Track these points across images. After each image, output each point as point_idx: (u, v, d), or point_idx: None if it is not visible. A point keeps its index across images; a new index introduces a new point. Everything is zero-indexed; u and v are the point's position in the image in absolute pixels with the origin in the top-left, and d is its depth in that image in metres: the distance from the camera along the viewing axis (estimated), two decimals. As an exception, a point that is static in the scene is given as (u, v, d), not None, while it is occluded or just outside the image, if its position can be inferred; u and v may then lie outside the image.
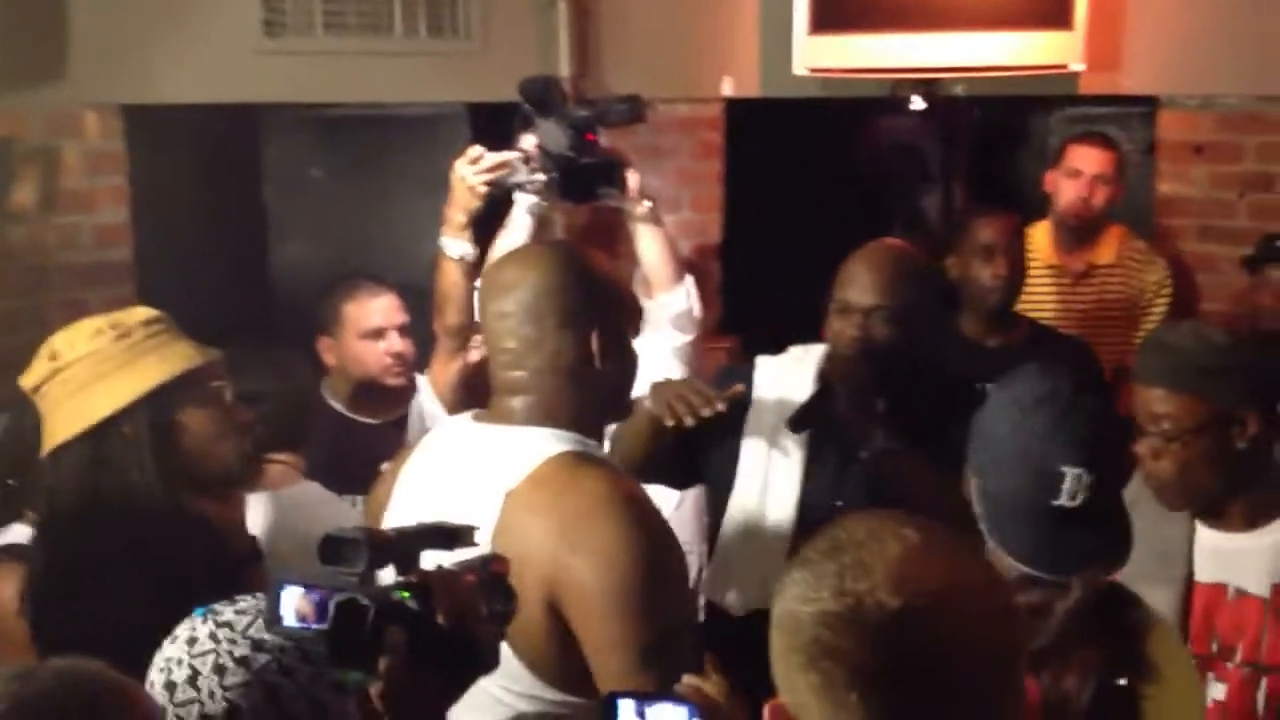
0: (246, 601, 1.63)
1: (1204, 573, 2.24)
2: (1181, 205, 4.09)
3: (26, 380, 2.05)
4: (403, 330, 3.21)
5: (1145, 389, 2.21)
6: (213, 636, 1.58)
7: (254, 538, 2.19)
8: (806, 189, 5.29)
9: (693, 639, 1.88)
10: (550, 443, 1.93)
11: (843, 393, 2.55)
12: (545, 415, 1.95)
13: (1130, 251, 3.93)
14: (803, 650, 1.12)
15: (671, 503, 3.19)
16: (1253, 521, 2.21)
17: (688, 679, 1.63)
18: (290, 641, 1.57)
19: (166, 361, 2.02)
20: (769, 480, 2.63)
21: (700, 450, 2.66)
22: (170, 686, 1.56)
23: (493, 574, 1.55)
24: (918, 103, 4.23)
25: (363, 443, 3.02)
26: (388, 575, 1.48)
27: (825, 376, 2.61)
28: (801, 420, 2.57)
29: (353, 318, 3.22)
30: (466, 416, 2.08)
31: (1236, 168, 4.00)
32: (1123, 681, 1.52)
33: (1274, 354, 2.31)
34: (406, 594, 1.42)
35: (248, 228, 3.60)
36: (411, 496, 2.03)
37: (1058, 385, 1.95)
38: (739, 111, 4.34)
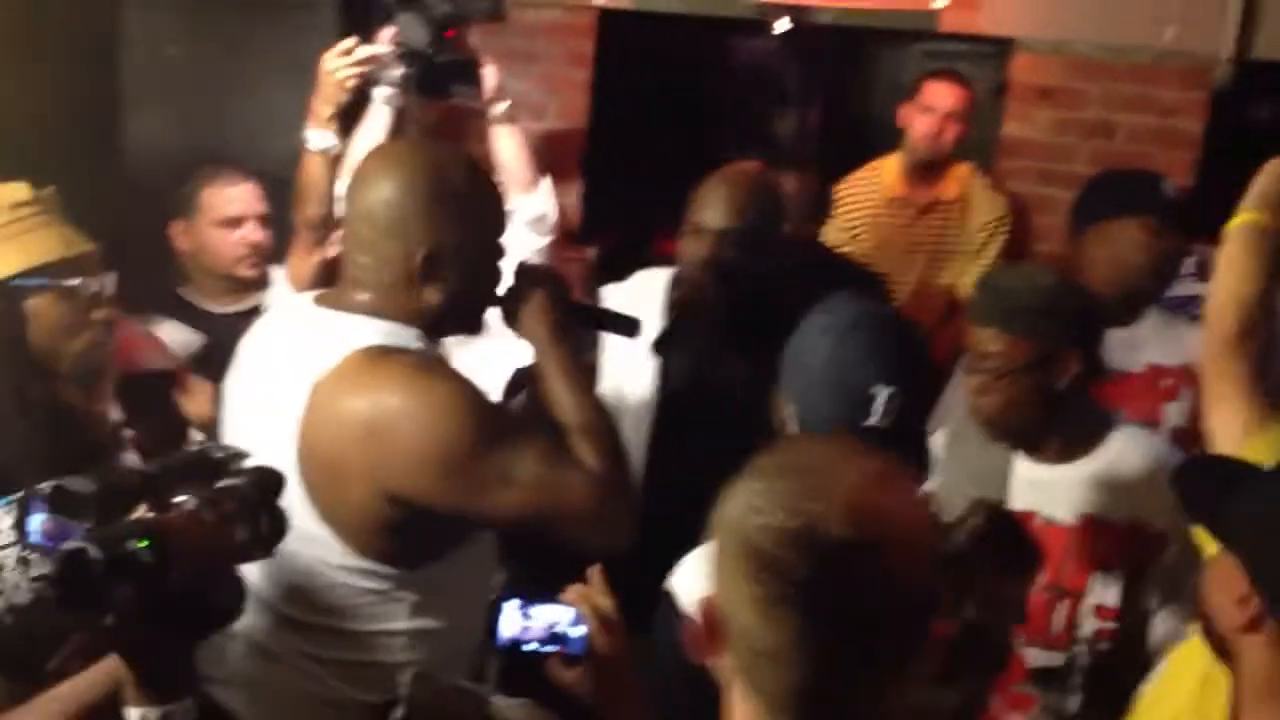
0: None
1: (1018, 500, 2.36)
2: (1025, 147, 4.20)
3: None
4: (260, 220, 3.17)
5: (978, 328, 2.30)
6: (16, 526, 1.60)
7: (116, 424, 2.17)
8: (671, 103, 5.32)
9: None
10: (362, 334, 1.94)
11: (697, 315, 2.61)
12: (373, 307, 1.97)
13: (973, 188, 4.06)
14: (747, 559, 1.14)
15: None
16: (1066, 455, 2.34)
17: (575, 587, 1.67)
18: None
19: (25, 251, 2.01)
20: (623, 408, 2.66)
21: None
22: None
23: (263, 494, 1.50)
24: (782, 25, 4.27)
25: (213, 332, 2.98)
26: None
27: (679, 300, 2.65)
28: (661, 345, 2.63)
29: (210, 205, 3.16)
30: (309, 297, 2.09)
31: (1081, 114, 4.13)
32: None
33: (1096, 299, 2.40)
34: (144, 543, 1.33)
35: (101, 105, 3.47)
36: (240, 378, 2.07)
37: (868, 309, 2.04)
38: (610, 21, 4.34)
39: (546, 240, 3.49)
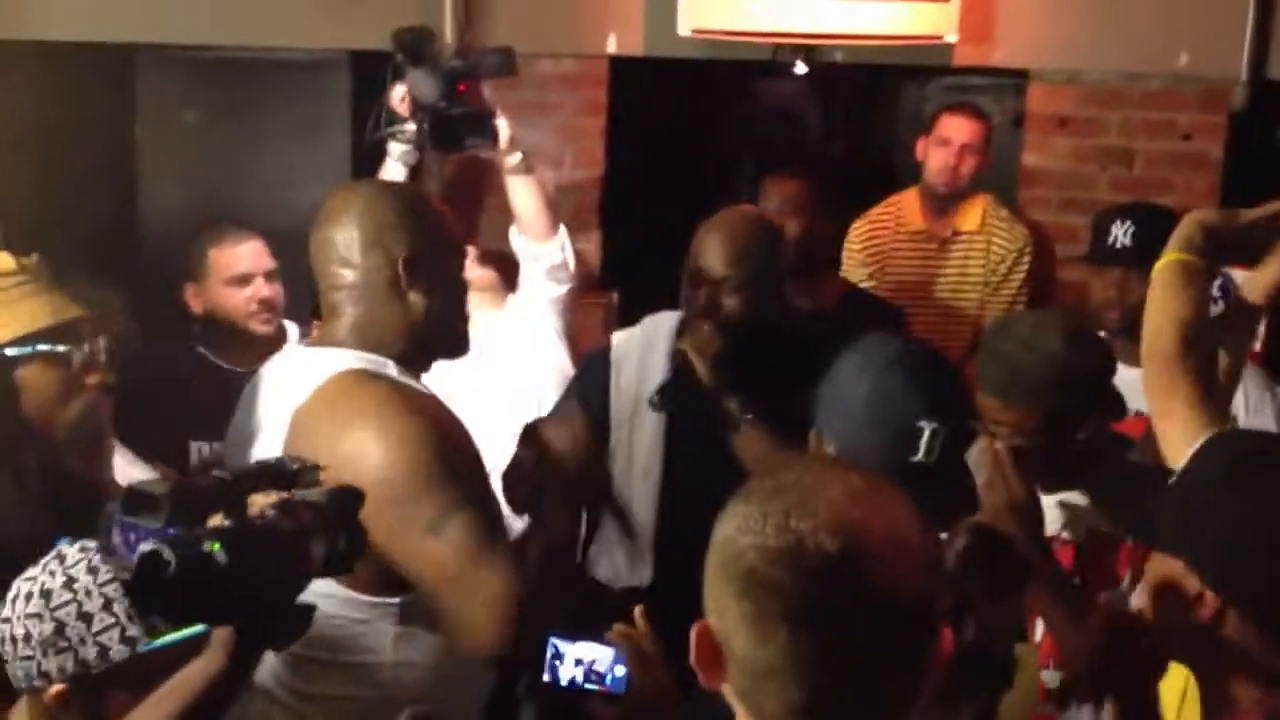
0: (92, 541, 1.66)
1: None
2: (1045, 177, 4.20)
3: None
4: (269, 276, 3.20)
5: (983, 396, 2.26)
6: (45, 566, 1.65)
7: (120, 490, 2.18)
8: (688, 148, 5.35)
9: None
10: (341, 360, 1.99)
11: (699, 364, 2.58)
12: (355, 337, 2.03)
13: (994, 219, 4.04)
14: (739, 579, 1.16)
15: None
16: (1071, 483, 2.29)
17: (619, 627, 1.67)
18: (99, 588, 1.62)
19: (13, 320, 2.02)
20: (633, 457, 2.66)
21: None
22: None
23: (340, 511, 1.54)
24: (799, 67, 4.29)
25: (230, 390, 2.99)
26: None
27: (681, 349, 2.63)
28: (663, 396, 2.61)
29: (218, 264, 3.19)
30: (301, 342, 2.14)
31: (1099, 141, 4.12)
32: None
33: (1106, 354, 2.33)
34: (217, 545, 1.38)
35: (118, 170, 3.53)
36: (236, 424, 2.13)
37: (907, 345, 2.07)
38: (623, 69, 4.37)
39: (566, 288, 3.50)
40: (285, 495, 1.52)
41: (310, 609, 1.52)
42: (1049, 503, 2.32)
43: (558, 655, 1.64)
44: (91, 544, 1.67)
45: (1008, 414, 2.22)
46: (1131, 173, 4.10)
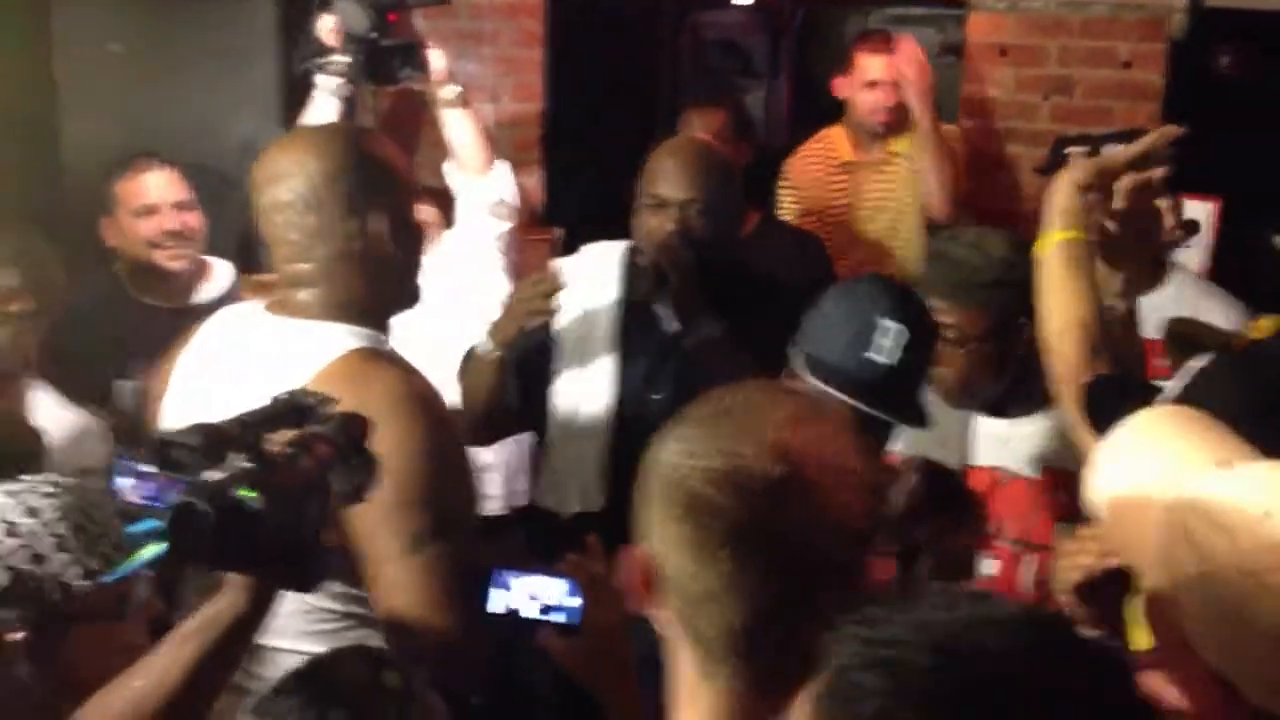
0: (18, 484, 1.62)
1: (980, 457, 2.35)
2: (985, 106, 4.18)
3: None
4: (180, 206, 3.08)
5: (930, 299, 2.25)
6: None
7: (35, 430, 2.12)
8: (629, 80, 5.27)
9: (470, 532, 1.89)
10: (341, 339, 1.88)
11: (675, 281, 2.54)
12: (337, 309, 1.90)
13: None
14: (680, 503, 1.15)
15: None
16: (1027, 410, 2.31)
17: (571, 557, 1.65)
18: (47, 527, 1.58)
19: None
20: (584, 382, 2.63)
21: (532, 382, 2.64)
22: None
23: (350, 438, 1.51)
24: (744, -1, 4.23)
25: (151, 327, 2.80)
26: None
27: (652, 268, 2.57)
28: (656, 286, 2.55)
29: (124, 195, 3.09)
30: (257, 305, 2.01)
31: (1039, 71, 4.10)
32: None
33: None
34: (251, 492, 1.36)
35: (38, 105, 3.42)
36: (191, 386, 1.98)
37: (890, 281, 2.16)
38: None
39: (508, 225, 3.45)
40: (299, 432, 1.48)
41: (334, 551, 1.51)
42: (1005, 432, 2.34)
43: (505, 587, 1.61)
44: (15, 485, 1.62)
45: (954, 315, 2.23)
46: (1071, 101, 4.09)
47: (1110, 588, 1.57)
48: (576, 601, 1.62)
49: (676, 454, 1.18)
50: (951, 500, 1.57)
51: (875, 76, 3.84)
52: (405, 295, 2.04)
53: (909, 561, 1.49)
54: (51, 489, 1.63)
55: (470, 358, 2.63)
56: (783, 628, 1.16)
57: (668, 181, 2.58)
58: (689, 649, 1.20)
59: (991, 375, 2.28)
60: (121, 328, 2.93)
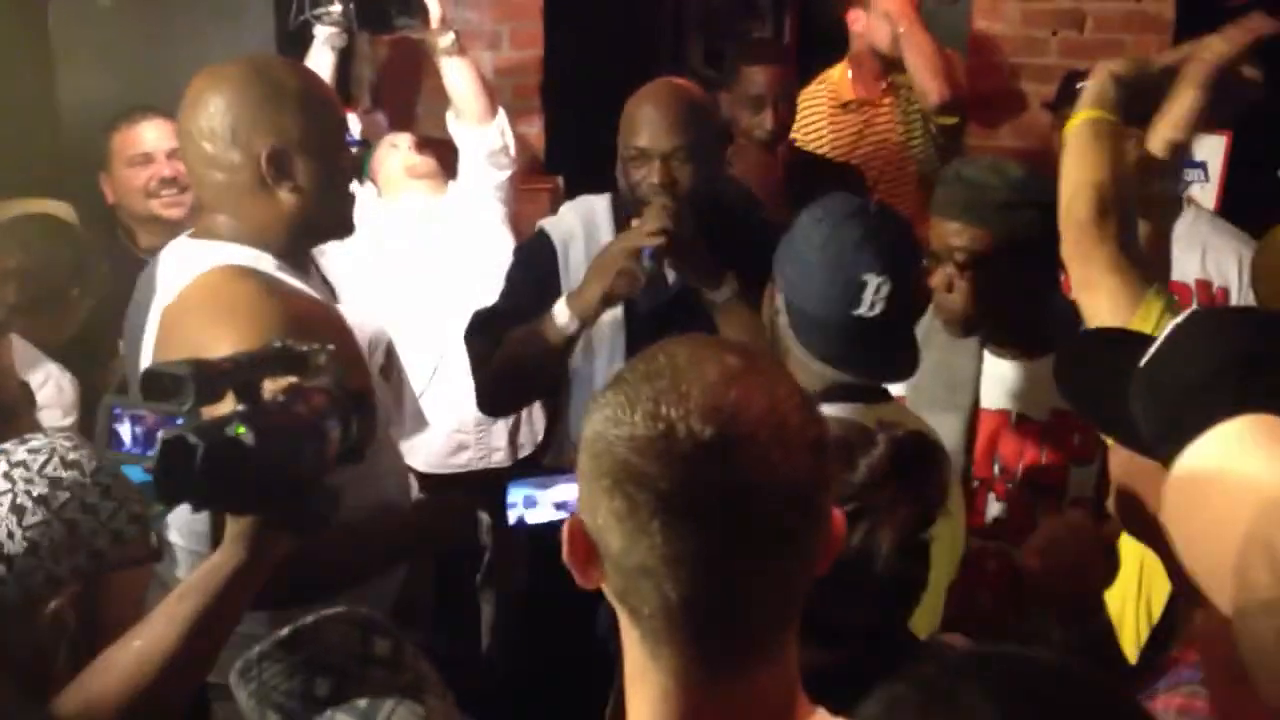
0: (38, 440, 1.60)
1: (989, 399, 2.32)
2: (995, 42, 4.12)
3: None
4: (174, 154, 3.05)
5: (941, 221, 2.25)
6: (7, 476, 1.56)
7: (23, 382, 2.11)
8: (631, 26, 5.20)
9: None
10: (215, 255, 1.90)
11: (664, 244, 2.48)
12: (230, 232, 1.94)
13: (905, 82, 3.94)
14: (609, 474, 1.06)
15: None
16: (1037, 350, 2.28)
17: None
18: (90, 477, 1.56)
19: None
20: (593, 344, 2.57)
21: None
22: None
23: (349, 393, 1.50)
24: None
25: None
26: None
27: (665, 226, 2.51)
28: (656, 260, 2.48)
29: (120, 146, 3.12)
30: (186, 234, 2.05)
31: (1049, 5, 4.04)
32: (926, 534, 1.51)
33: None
34: (241, 429, 1.34)
35: (32, 62, 3.39)
36: (131, 317, 2.03)
37: (864, 203, 2.07)
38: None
39: (508, 173, 3.42)
40: (294, 380, 1.47)
41: (335, 494, 1.48)
42: (1010, 373, 2.31)
43: (531, 503, 1.57)
44: (39, 440, 1.60)
45: (964, 235, 2.20)
46: (1082, 35, 4.03)
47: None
48: None
49: (603, 421, 1.08)
50: (919, 471, 1.47)
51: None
52: (323, 228, 2.05)
53: (860, 526, 1.41)
54: (72, 442, 1.62)
55: (484, 318, 2.59)
56: (726, 603, 1.06)
57: (649, 131, 2.48)
58: (633, 628, 1.10)
59: (1000, 302, 2.23)
60: (126, 284, 2.92)
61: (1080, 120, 1.84)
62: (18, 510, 1.53)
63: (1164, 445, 1.16)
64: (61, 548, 1.54)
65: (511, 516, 1.59)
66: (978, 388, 2.33)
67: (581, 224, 2.63)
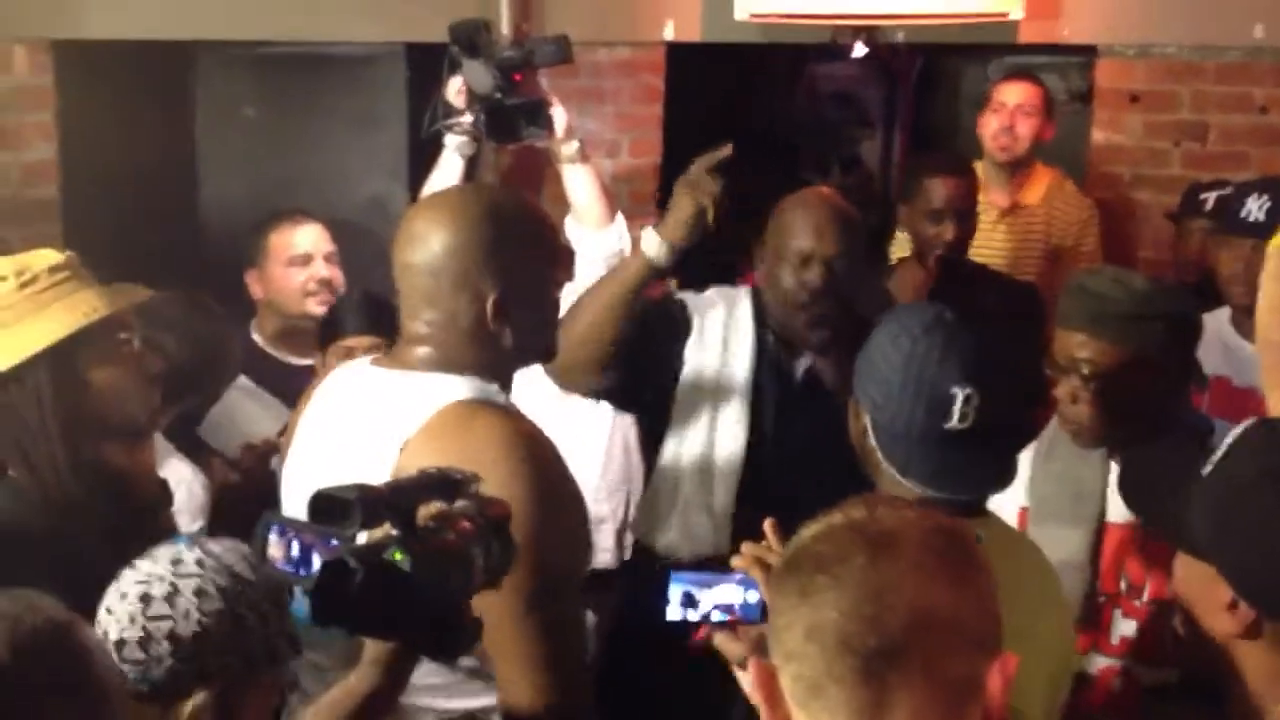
0: (229, 541, 1.66)
1: (1116, 513, 2.27)
2: (1116, 153, 4.12)
3: None
4: (329, 258, 3.21)
5: (1066, 332, 2.23)
6: (199, 562, 1.60)
7: (163, 481, 2.15)
8: (745, 135, 5.27)
9: (582, 585, 1.87)
10: (447, 389, 1.87)
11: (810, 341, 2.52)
12: (444, 362, 1.91)
13: (1058, 194, 3.96)
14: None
15: (603, 435, 3.20)
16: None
17: (747, 547, 1.58)
18: (263, 587, 1.60)
19: (70, 312, 1.94)
20: (716, 421, 2.60)
21: (645, 369, 2.61)
22: (146, 599, 1.58)
23: (490, 520, 1.51)
24: (858, 49, 4.23)
25: (287, 383, 2.98)
26: None
27: (806, 325, 2.54)
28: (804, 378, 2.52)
29: (277, 246, 3.22)
30: (365, 361, 2.04)
31: (1171, 117, 4.04)
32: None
33: (1192, 302, 2.33)
34: (400, 555, 1.37)
35: (180, 167, 3.55)
36: (308, 446, 2.00)
37: (941, 312, 1.99)
38: (679, 55, 4.32)
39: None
40: (443, 507, 1.49)
41: (479, 622, 1.49)
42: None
43: (691, 602, 1.53)
44: (229, 541, 1.65)
45: (1089, 348, 2.18)
46: (1205, 148, 4.01)
47: None
48: (755, 596, 1.51)
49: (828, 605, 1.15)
50: None
51: (1004, 100, 3.90)
52: (529, 352, 2.03)
53: None
54: (239, 550, 1.65)
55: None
56: None
57: (810, 235, 2.55)
58: None
59: (1126, 416, 2.19)
60: (260, 381, 3.03)
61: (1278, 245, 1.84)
62: (199, 594, 1.58)
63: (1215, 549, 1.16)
64: (226, 642, 1.57)
65: (671, 613, 1.56)
66: (1104, 500, 2.28)
67: (723, 304, 2.69)
